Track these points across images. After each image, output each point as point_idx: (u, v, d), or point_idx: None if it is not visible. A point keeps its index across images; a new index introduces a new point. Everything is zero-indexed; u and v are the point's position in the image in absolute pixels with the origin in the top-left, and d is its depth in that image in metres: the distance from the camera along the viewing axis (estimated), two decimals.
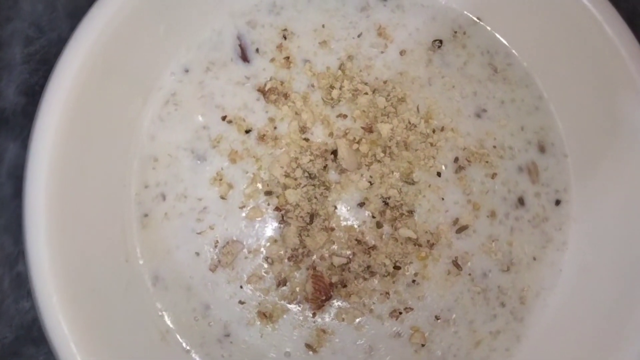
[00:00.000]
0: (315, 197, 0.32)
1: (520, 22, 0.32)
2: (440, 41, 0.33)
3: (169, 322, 0.31)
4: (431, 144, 0.32)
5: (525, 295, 0.32)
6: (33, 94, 0.39)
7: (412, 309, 0.31)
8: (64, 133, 0.28)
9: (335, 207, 0.32)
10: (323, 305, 0.31)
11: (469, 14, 0.33)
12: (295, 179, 0.32)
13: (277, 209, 0.32)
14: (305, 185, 0.32)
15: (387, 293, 0.31)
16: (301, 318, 0.32)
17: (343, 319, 0.31)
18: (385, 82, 0.33)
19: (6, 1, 0.41)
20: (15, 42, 0.41)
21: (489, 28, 0.33)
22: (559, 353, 0.29)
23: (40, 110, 0.28)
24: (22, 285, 0.37)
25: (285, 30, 0.33)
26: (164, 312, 0.31)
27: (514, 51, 0.33)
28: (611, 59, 0.29)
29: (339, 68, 0.33)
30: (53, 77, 0.29)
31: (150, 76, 0.32)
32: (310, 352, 0.31)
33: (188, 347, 0.30)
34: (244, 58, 0.32)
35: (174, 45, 0.32)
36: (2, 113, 0.39)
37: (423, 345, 0.31)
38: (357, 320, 0.31)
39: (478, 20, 0.33)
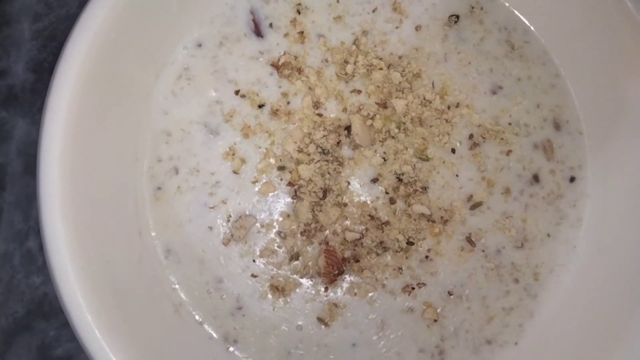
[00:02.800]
0: (329, 173, 0.32)
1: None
2: (457, 16, 0.32)
3: (182, 295, 0.31)
4: (446, 120, 0.32)
5: (539, 272, 0.32)
6: (42, 71, 0.40)
7: (424, 285, 0.32)
8: (76, 107, 0.28)
9: (349, 183, 0.32)
10: (335, 280, 0.31)
11: None
12: (309, 155, 0.32)
13: (290, 184, 0.32)
14: (318, 161, 0.32)
15: (400, 268, 0.32)
16: (313, 292, 0.32)
17: (355, 294, 0.32)
18: (400, 58, 0.33)
19: None
20: (24, 19, 0.41)
21: (507, 4, 0.33)
22: (573, 329, 0.29)
23: (53, 85, 0.28)
24: (32, 261, 0.38)
25: (299, 4, 0.33)
26: (177, 285, 0.31)
27: (532, 28, 0.32)
28: (631, 37, 0.29)
29: (354, 43, 0.33)
30: (65, 52, 0.28)
31: (163, 51, 0.32)
32: (322, 326, 0.31)
33: (201, 320, 0.31)
34: (258, 33, 0.32)
35: (186, 20, 0.32)
36: (11, 89, 0.40)
37: (435, 321, 0.31)
38: (370, 295, 0.32)
39: None
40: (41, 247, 0.37)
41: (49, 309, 0.37)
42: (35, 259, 0.38)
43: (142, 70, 0.32)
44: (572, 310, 0.31)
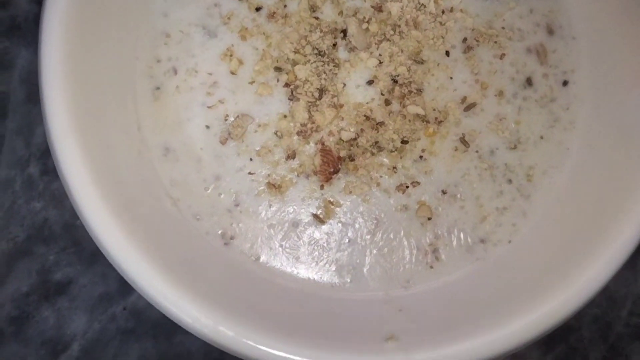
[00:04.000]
0: (325, 73, 0.32)
1: None
2: None
3: (179, 192, 0.32)
4: (440, 24, 0.32)
5: (532, 173, 0.32)
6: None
7: (419, 184, 0.32)
8: (77, 7, 0.28)
9: (345, 85, 0.33)
10: (331, 178, 0.32)
11: None
12: (305, 56, 0.32)
13: (286, 84, 0.32)
14: (314, 62, 0.32)
15: (395, 167, 0.32)
16: (309, 190, 0.32)
17: (350, 192, 0.32)
18: None
19: None
20: None
21: None
22: (565, 227, 0.30)
23: None
24: (33, 186, 0.38)
25: None
26: (175, 183, 0.32)
27: None
28: None
29: None
30: None
31: None
32: (318, 223, 0.32)
33: (198, 216, 0.31)
34: None
35: None
36: (14, 20, 0.40)
37: (429, 219, 0.32)
38: (365, 193, 0.32)
39: None
40: (42, 174, 0.39)
41: (49, 234, 0.38)
42: (36, 185, 0.39)
43: None
44: (565, 210, 0.31)
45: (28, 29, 0.40)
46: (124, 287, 0.38)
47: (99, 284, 0.38)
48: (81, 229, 0.38)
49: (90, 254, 0.38)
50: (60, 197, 0.39)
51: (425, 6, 0.32)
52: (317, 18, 0.33)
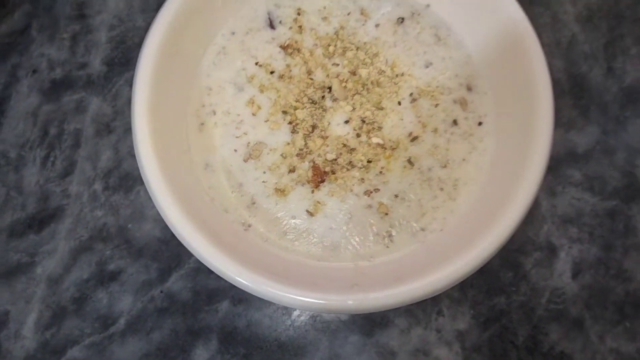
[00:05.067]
0: (316, 115, 0.39)
1: (456, 7, 0.40)
2: (403, 18, 0.41)
3: (214, 193, 0.37)
4: (395, 84, 0.39)
5: (457, 184, 0.37)
6: (112, 65, 0.48)
7: (379, 190, 0.37)
8: (154, 70, 0.35)
9: (329, 123, 0.39)
10: (319, 185, 0.37)
11: (421, 2, 0.43)
12: (303, 104, 0.39)
13: (290, 122, 0.39)
14: (309, 108, 0.39)
15: (363, 179, 0.38)
16: (304, 193, 0.38)
17: (332, 195, 0.37)
18: (365, 43, 0.41)
19: (97, 0, 0.51)
20: (102, 28, 0.50)
21: (435, 11, 0.42)
22: (479, 219, 0.35)
23: (141, 55, 0.35)
24: (96, 199, 0.44)
25: (299, 9, 0.42)
26: (212, 187, 0.38)
27: (452, 26, 0.42)
28: (516, 32, 0.36)
29: (335, 34, 0.41)
30: (148, 34, 0.36)
31: (208, 36, 0.40)
32: (309, 216, 0.37)
33: (227, 210, 0.37)
34: (271, 26, 0.41)
35: (226, 16, 0.41)
36: (90, 77, 0.48)
37: (386, 214, 0.37)
38: (342, 196, 0.37)
39: (428, 6, 0.43)
40: (104, 189, 0.45)
41: (106, 235, 0.43)
42: (99, 198, 0.45)
43: (194, 48, 0.40)
44: (479, 208, 0.36)
45: (99, 83, 0.49)
46: (162, 276, 0.42)
47: (142, 273, 0.42)
48: (131, 231, 0.45)
49: (137, 250, 0.43)
50: (117, 207, 0.45)
51: (384, 71, 0.40)
52: (311, 79, 0.40)
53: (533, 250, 0.42)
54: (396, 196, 0.37)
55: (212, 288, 0.42)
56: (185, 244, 0.33)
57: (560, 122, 0.48)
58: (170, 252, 0.43)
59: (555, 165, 0.47)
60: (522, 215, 0.33)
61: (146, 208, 0.44)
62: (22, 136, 0.47)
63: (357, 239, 0.37)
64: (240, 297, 0.42)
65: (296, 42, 0.41)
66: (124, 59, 0.49)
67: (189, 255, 0.42)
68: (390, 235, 0.37)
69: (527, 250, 0.42)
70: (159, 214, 0.42)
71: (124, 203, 0.45)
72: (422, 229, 0.37)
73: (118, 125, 0.47)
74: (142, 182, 0.43)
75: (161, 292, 0.42)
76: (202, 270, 0.44)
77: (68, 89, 0.48)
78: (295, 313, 0.43)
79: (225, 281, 0.42)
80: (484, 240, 0.33)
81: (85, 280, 0.42)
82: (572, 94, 0.50)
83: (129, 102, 0.43)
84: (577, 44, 0.51)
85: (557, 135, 0.45)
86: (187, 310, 0.41)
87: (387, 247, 0.37)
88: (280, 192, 0.37)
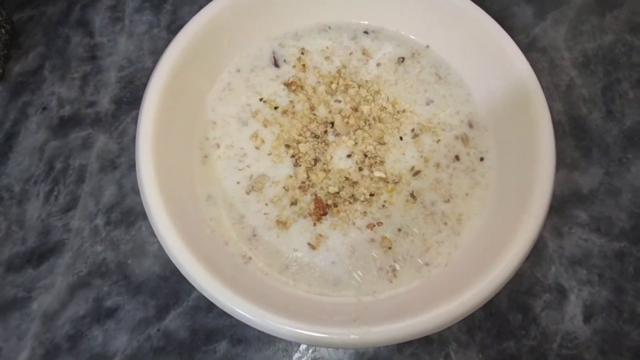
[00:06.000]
0: (319, 149, 0.40)
1: (455, 47, 0.43)
2: (403, 58, 0.44)
3: (215, 225, 0.38)
4: (396, 119, 0.41)
5: (461, 218, 0.38)
6: (121, 103, 0.50)
7: (382, 224, 0.38)
8: (160, 105, 0.36)
9: (332, 157, 0.40)
10: (321, 218, 0.38)
11: (422, 43, 0.45)
12: (306, 138, 0.40)
13: (292, 156, 0.40)
14: (312, 142, 0.40)
15: (365, 212, 0.38)
16: (306, 226, 0.38)
17: (334, 228, 0.37)
18: (367, 81, 0.43)
19: (109, 42, 0.53)
20: (112, 69, 0.52)
21: (434, 51, 0.44)
22: (483, 254, 0.35)
23: (147, 92, 0.37)
24: (97, 234, 0.44)
25: (303, 49, 0.44)
26: (213, 219, 0.38)
27: (451, 65, 0.44)
28: (516, 73, 0.38)
29: (337, 72, 0.43)
30: (155, 71, 0.38)
31: (214, 72, 0.42)
32: (311, 249, 0.37)
33: (227, 242, 0.38)
34: (276, 64, 0.44)
35: (231, 54, 0.43)
36: (98, 115, 0.49)
37: (390, 248, 0.37)
38: (344, 229, 0.38)
39: (428, 47, 0.45)
40: (106, 225, 0.45)
41: (105, 270, 0.43)
42: (100, 233, 0.44)
43: (200, 83, 0.41)
44: (483, 243, 0.36)
45: (107, 121, 0.49)
46: (160, 313, 0.41)
47: (140, 310, 0.41)
48: (131, 267, 0.44)
49: (136, 286, 0.42)
50: (117, 243, 0.45)
51: (386, 108, 0.42)
52: (314, 114, 0.41)
53: (542, 292, 0.42)
54: (399, 230, 0.38)
55: (211, 327, 0.41)
56: (184, 274, 0.33)
57: (564, 163, 0.48)
58: (169, 288, 0.43)
59: (561, 206, 0.47)
60: (527, 250, 0.33)
61: (147, 244, 0.44)
62: (27, 171, 0.47)
63: (359, 273, 0.37)
64: (239, 337, 0.41)
65: (300, 79, 0.43)
66: (131, 98, 0.50)
67: (188, 292, 0.42)
68: (394, 270, 0.37)
69: (535, 291, 0.42)
70: (159, 250, 0.43)
71: (125, 238, 0.44)
72: (427, 264, 0.37)
73: (123, 161, 0.47)
74: (144, 218, 0.44)
75: (158, 330, 0.41)
76: (201, 308, 0.43)
77: (76, 126, 0.49)
78: (296, 355, 0.42)
79: (224, 320, 0.42)
80: (488, 275, 0.32)
81: (81, 317, 0.41)
82: (573, 135, 0.50)
83: (134, 139, 0.42)
84: (575, 87, 0.53)
85: (560, 176, 0.46)
86: (184, 350, 0.40)
87: (391, 282, 0.37)
88: (282, 224, 0.38)
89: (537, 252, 0.46)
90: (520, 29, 0.57)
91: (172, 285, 0.43)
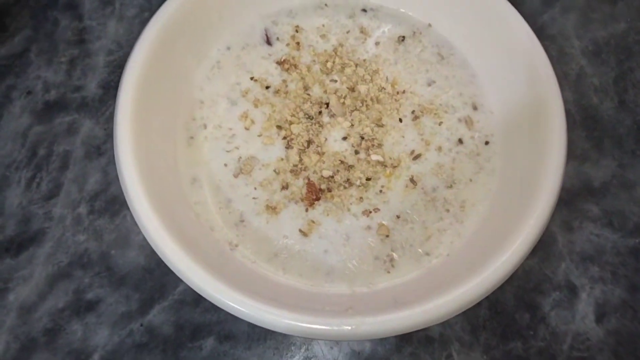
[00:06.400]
0: (312, 130, 0.38)
1: (459, 26, 0.41)
2: (403, 37, 0.42)
3: (200, 209, 0.36)
4: (395, 100, 0.40)
5: (464, 205, 0.36)
6: (108, 88, 0.48)
7: (379, 210, 0.36)
8: (143, 79, 0.35)
9: (326, 139, 0.38)
10: (314, 203, 0.36)
11: (423, 21, 0.43)
12: (299, 119, 0.39)
13: (284, 137, 0.38)
14: (305, 123, 0.39)
15: (361, 198, 0.37)
16: (297, 212, 0.36)
17: (328, 214, 0.36)
18: (364, 60, 0.41)
19: (98, 26, 0.52)
20: (101, 53, 0.50)
21: (437, 30, 0.43)
22: (487, 243, 0.34)
23: (126, 68, 0.35)
24: (80, 222, 0.42)
25: (297, 26, 0.43)
26: (198, 203, 0.37)
27: (455, 45, 0.42)
28: (522, 52, 0.37)
29: (333, 51, 0.42)
30: (136, 44, 0.36)
31: (203, 49, 0.41)
32: (303, 236, 0.36)
33: (213, 228, 0.36)
34: (268, 42, 0.42)
35: (221, 31, 0.41)
36: (84, 99, 0.48)
37: (387, 236, 0.36)
38: (339, 216, 0.36)
39: (430, 26, 0.43)
40: (89, 213, 0.44)
41: (87, 261, 0.41)
42: (83, 222, 0.43)
43: (187, 61, 0.40)
44: (487, 230, 0.35)
45: (93, 106, 0.48)
46: (143, 307, 0.40)
47: (122, 304, 0.40)
48: (114, 258, 0.42)
49: (119, 279, 0.41)
50: (100, 232, 0.43)
51: (385, 89, 0.40)
52: (308, 94, 0.40)
53: (551, 289, 0.40)
54: (398, 217, 0.36)
55: (197, 323, 0.40)
56: (165, 260, 0.31)
57: (574, 155, 0.46)
58: (154, 281, 0.42)
59: (571, 199, 0.45)
60: (534, 239, 0.31)
61: (132, 233, 0.42)
62: (9, 156, 0.46)
63: (354, 263, 0.35)
64: (227, 333, 0.39)
65: (293, 58, 0.41)
66: (120, 83, 0.48)
67: (174, 285, 0.41)
68: (391, 260, 0.35)
69: (544, 289, 0.40)
70: (145, 240, 0.41)
71: (109, 228, 0.43)
72: (427, 254, 0.36)
73: (109, 148, 0.46)
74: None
75: (141, 325, 0.40)
76: (187, 302, 0.42)
77: (61, 110, 0.48)
78: (288, 355, 0.40)
79: (212, 316, 0.40)
80: (492, 265, 0.31)
81: (60, 310, 0.40)
82: (584, 126, 0.49)
83: None
84: (586, 77, 0.51)
85: (570, 167, 0.45)
86: (168, 346, 0.39)
87: (388, 272, 0.35)
88: (272, 209, 0.37)
89: (546, 248, 0.44)
90: (527, 16, 0.55)
91: (157, 277, 0.42)
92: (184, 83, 0.40)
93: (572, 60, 0.52)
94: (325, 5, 0.44)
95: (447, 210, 0.37)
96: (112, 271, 0.42)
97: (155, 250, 0.31)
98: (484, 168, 0.38)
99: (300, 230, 0.36)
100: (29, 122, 0.48)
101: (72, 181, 0.45)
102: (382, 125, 0.39)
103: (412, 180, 0.38)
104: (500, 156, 0.38)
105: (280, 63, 0.41)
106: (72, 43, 0.52)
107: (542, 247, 0.42)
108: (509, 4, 0.38)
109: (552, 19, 0.55)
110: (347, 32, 0.43)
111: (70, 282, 0.41)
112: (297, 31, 0.43)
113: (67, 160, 0.46)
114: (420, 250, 0.36)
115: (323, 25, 0.43)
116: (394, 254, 0.36)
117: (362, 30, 0.43)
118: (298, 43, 0.42)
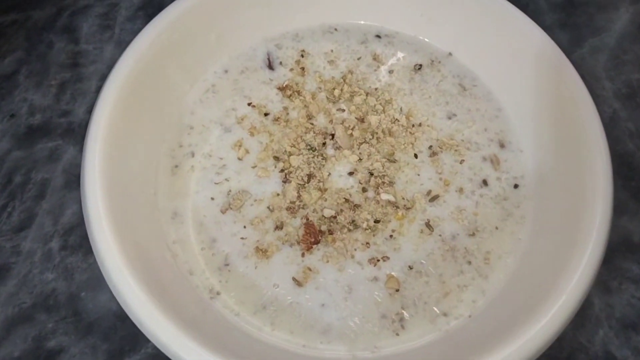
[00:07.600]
0: (314, 163, 0.36)
1: (483, 55, 0.39)
2: (420, 65, 0.40)
3: (178, 249, 0.34)
4: (410, 134, 0.37)
5: (489, 257, 0.33)
6: None
7: (388, 258, 0.33)
8: (124, 97, 0.33)
9: (330, 174, 0.36)
10: (312, 248, 0.34)
11: (443, 50, 0.41)
12: (299, 150, 0.36)
13: (281, 170, 0.36)
14: (306, 155, 0.36)
15: (368, 243, 0.34)
16: (292, 256, 0.34)
17: (328, 261, 0.33)
18: (376, 89, 0.39)
19: (94, 50, 0.50)
20: (94, 77, 0.48)
21: (458, 59, 0.40)
22: (517, 303, 0.30)
23: (110, 76, 0.33)
24: (50, 259, 0.40)
25: (303, 51, 0.41)
26: (177, 241, 0.34)
27: (478, 75, 0.39)
28: (556, 83, 0.35)
29: (342, 78, 0.40)
30: (120, 60, 0.34)
31: (199, 70, 0.39)
32: (297, 286, 0.32)
33: (192, 272, 0.33)
34: (270, 67, 0.40)
35: (219, 53, 0.39)
36: (71, 125, 0.46)
37: (397, 291, 0.33)
38: (340, 263, 0.33)
39: (450, 55, 0.41)
40: (61, 249, 0.41)
41: (53, 303, 0.38)
42: (54, 258, 0.40)
43: (180, 80, 0.38)
44: (516, 288, 0.32)
45: (79, 133, 0.45)
46: None
47: (87, 355, 0.37)
48: (84, 301, 0.39)
49: (86, 325, 0.38)
50: (72, 271, 0.39)
51: (398, 120, 0.38)
52: (312, 124, 0.38)
53: None
54: (410, 268, 0.34)
55: None
56: (126, 309, 0.29)
57: None
58: (126, 331, 0.38)
59: (608, 256, 0.41)
60: (577, 304, 0.29)
61: None
62: None
63: (356, 321, 0.32)
64: None
65: (297, 84, 0.40)
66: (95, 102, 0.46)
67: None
68: (401, 319, 0.32)
69: None
70: None
71: (81, 267, 0.40)
72: (445, 314, 0.32)
73: None
74: None
75: None
76: (161, 357, 0.37)
77: (44, 136, 0.46)
78: None
79: None
80: (524, 333, 0.27)
81: (15, 359, 0.37)
82: (619, 174, 0.45)
83: None
84: (620, 121, 0.48)
85: None
86: None
87: (397, 334, 0.32)
88: (262, 252, 0.34)
89: (580, 312, 0.40)
90: None
91: (129, 327, 0.37)
92: (173, 106, 0.38)
93: (604, 103, 0.49)
94: (335, 29, 0.42)
95: (469, 263, 0.34)
96: (79, 316, 0.38)
97: (114, 292, 0.28)
98: (513, 214, 0.35)
99: (294, 279, 0.33)
100: (8, 147, 0.46)
101: (47, 212, 0.43)
102: (394, 161, 0.37)
103: (428, 225, 0.35)
104: (532, 201, 0.35)
105: (282, 89, 0.39)
106: (65, 66, 0.50)
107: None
108: (542, 31, 0.36)
109: (581, 59, 0.52)
110: (358, 58, 0.41)
111: (31, 327, 0.38)
112: (302, 56, 0.41)
113: (44, 189, 0.44)
114: (436, 309, 0.32)
115: (332, 51, 0.41)
116: (405, 313, 0.32)
117: (375, 57, 0.41)
118: (303, 68, 0.40)
